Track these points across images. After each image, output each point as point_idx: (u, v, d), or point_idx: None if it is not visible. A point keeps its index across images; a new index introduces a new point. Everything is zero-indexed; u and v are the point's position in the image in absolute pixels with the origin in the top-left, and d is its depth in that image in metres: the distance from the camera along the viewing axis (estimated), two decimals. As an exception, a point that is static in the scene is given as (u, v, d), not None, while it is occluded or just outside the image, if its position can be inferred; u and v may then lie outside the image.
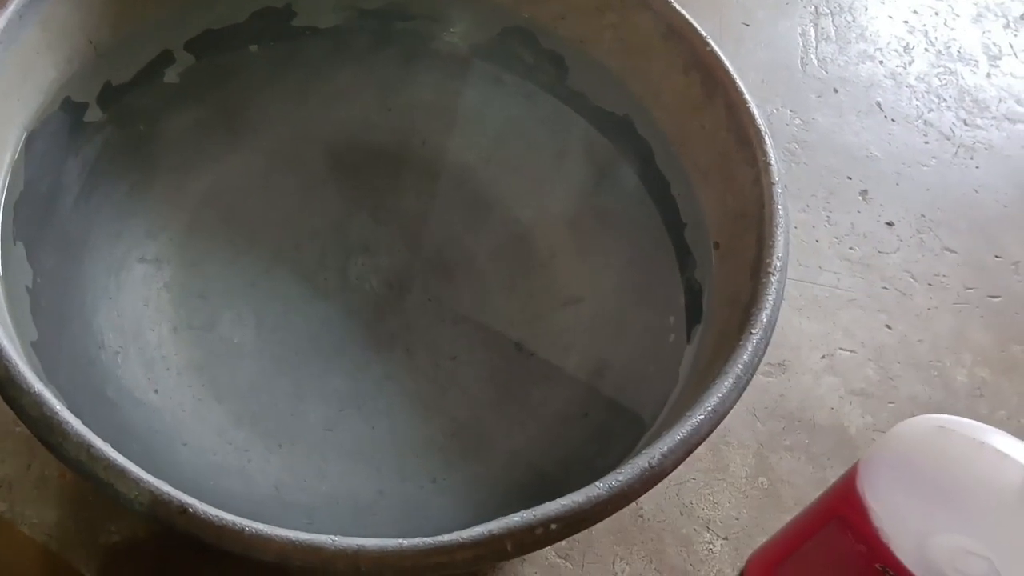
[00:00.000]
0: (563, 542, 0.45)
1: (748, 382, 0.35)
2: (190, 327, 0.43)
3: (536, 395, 0.45)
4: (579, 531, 0.31)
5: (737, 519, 0.47)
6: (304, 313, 0.46)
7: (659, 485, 0.48)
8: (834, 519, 0.37)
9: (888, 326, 0.56)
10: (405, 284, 0.47)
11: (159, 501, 0.29)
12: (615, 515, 0.46)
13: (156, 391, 0.41)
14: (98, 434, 0.30)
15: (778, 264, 0.37)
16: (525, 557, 0.44)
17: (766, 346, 0.36)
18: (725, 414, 0.34)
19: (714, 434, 0.50)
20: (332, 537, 0.29)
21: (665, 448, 0.32)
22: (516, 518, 0.30)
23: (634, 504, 0.47)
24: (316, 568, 0.29)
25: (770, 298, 0.36)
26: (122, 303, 0.42)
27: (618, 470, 0.32)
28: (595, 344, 0.46)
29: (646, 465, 0.32)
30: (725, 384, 0.34)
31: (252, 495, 0.40)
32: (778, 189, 0.39)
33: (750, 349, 0.35)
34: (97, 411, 0.38)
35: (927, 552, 0.33)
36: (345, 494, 0.41)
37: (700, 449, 0.49)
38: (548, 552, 0.44)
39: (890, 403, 0.52)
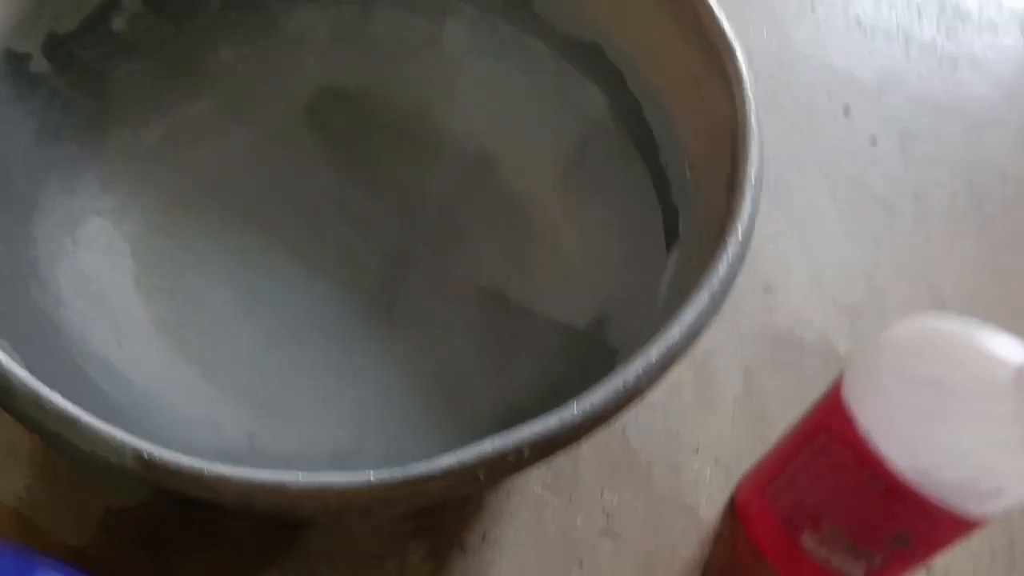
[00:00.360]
0: (549, 475, 0.44)
1: (724, 297, 0.34)
2: (153, 282, 0.42)
3: (517, 330, 0.44)
4: (552, 455, 0.30)
5: (727, 444, 0.46)
6: (273, 266, 0.44)
7: (645, 414, 0.47)
8: (821, 432, 0.37)
9: (875, 241, 0.54)
10: (379, 231, 0.46)
11: (114, 449, 0.28)
12: (601, 446, 0.46)
13: (121, 347, 0.40)
14: (65, 396, 0.29)
15: (753, 176, 0.36)
16: (511, 491, 0.43)
17: (742, 260, 0.34)
18: (701, 331, 0.33)
19: (700, 358, 0.49)
20: (297, 473, 0.28)
21: (639, 368, 0.31)
22: (487, 445, 0.29)
23: (620, 433, 0.46)
24: (283, 508, 0.28)
25: (745, 211, 0.35)
26: (80, 259, 0.41)
27: (591, 391, 0.31)
28: (575, 275, 0.45)
29: (620, 386, 0.31)
30: (701, 300, 0.33)
31: (225, 446, 0.39)
32: (750, 101, 0.38)
33: (726, 263, 0.34)
34: (59, 370, 0.37)
35: (917, 457, 0.32)
36: (323, 440, 0.40)
37: (686, 375, 0.49)
38: (535, 485, 0.44)
39: (879, 319, 0.51)
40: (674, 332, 0.32)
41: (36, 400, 0.28)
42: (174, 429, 0.38)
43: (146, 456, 0.28)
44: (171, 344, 0.41)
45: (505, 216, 0.47)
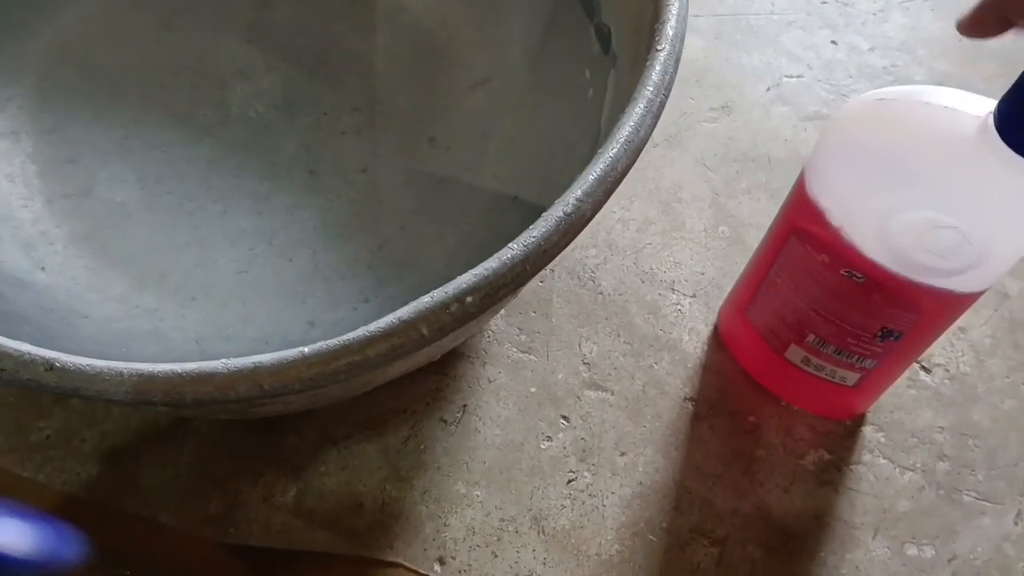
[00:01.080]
0: (522, 337, 0.42)
1: (662, 103, 0.31)
2: (65, 196, 0.39)
3: (460, 190, 0.42)
4: (499, 300, 0.28)
5: (703, 274, 0.44)
6: (188, 157, 0.41)
7: (615, 258, 0.45)
8: (791, 237, 0.34)
9: (834, 41, 0.51)
10: (292, 103, 0.43)
11: (22, 363, 0.25)
12: (573, 298, 0.43)
13: (43, 269, 0.37)
14: None
15: (676, -31, 0.33)
16: (486, 360, 0.41)
17: (677, 61, 0.31)
18: (642, 142, 0.30)
19: (665, 193, 0.47)
20: (223, 360, 0.26)
21: (579, 192, 0.29)
22: (427, 299, 0.27)
23: (591, 282, 0.44)
24: (216, 399, 0.26)
25: (673, 8, 0.32)
26: (-17, 186, 0.38)
27: (531, 227, 0.28)
28: (514, 121, 0.42)
29: (560, 214, 0.28)
30: (636, 110, 0.30)
31: (171, 355, 0.36)
32: None
33: (658, 68, 0.31)
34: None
35: (891, 239, 0.30)
36: (274, 333, 0.38)
37: (653, 211, 0.46)
38: (509, 349, 0.42)
39: (847, 121, 0.48)
40: (611, 149, 0.29)
41: (-74, 326, 0.25)
42: (112, 346, 0.36)
43: (57, 365, 0.25)
44: (93, 256, 0.39)
45: (432, 69, 0.44)
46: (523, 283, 0.28)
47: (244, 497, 0.38)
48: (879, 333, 0.34)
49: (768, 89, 0.49)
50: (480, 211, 0.41)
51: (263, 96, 0.43)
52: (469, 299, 0.27)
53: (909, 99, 0.29)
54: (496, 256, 0.28)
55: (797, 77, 0.50)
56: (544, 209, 0.39)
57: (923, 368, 0.42)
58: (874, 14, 0.52)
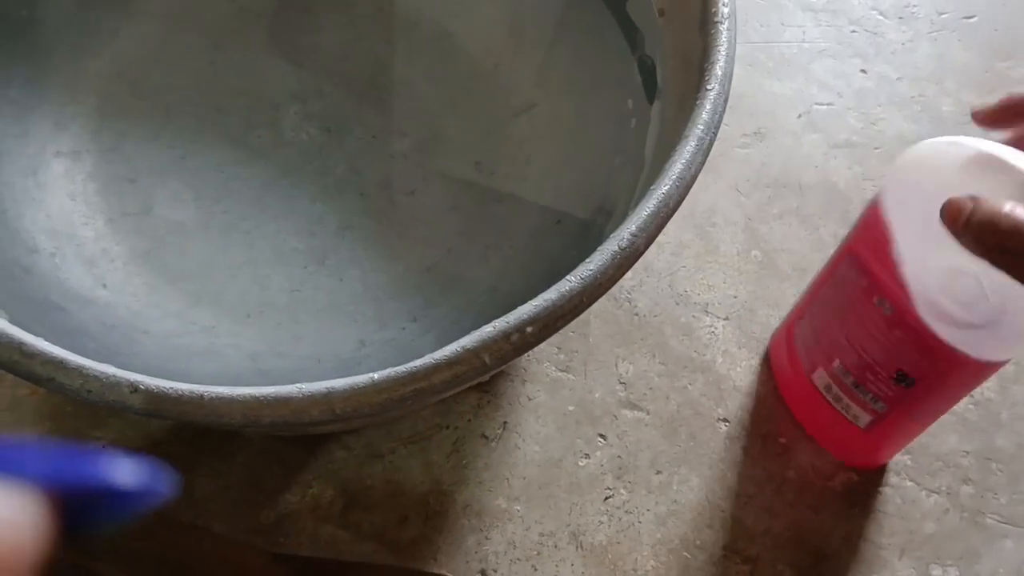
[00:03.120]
0: (561, 356, 0.44)
1: (712, 142, 0.32)
2: (125, 214, 0.41)
3: (505, 213, 0.43)
4: (557, 330, 0.29)
5: (735, 297, 0.45)
6: (243, 177, 0.43)
7: (650, 280, 0.46)
8: (846, 256, 0.35)
9: (863, 70, 0.52)
10: (342, 126, 0.44)
11: (107, 385, 0.27)
12: (610, 319, 0.45)
13: (104, 286, 0.39)
14: (51, 342, 0.28)
15: (725, 12, 0.34)
16: (525, 379, 0.43)
17: (725, 100, 0.33)
18: (693, 180, 0.31)
19: (699, 217, 0.48)
20: (299, 385, 0.27)
21: (634, 227, 0.30)
22: (489, 329, 0.29)
23: (627, 304, 0.45)
24: (289, 421, 0.27)
25: (722, 49, 0.33)
26: (48, 203, 0.39)
27: (588, 260, 0.30)
28: (557, 147, 0.43)
29: (616, 248, 0.30)
30: (688, 148, 0.31)
31: (228, 371, 0.38)
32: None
33: (708, 107, 0.32)
34: (44, 319, 0.36)
35: (924, 279, 0.31)
36: (326, 351, 0.39)
37: (687, 235, 0.47)
38: (548, 368, 0.43)
39: (876, 148, 0.50)
40: (663, 185, 0.31)
41: (20, 347, 0.27)
42: (172, 362, 0.37)
43: (141, 387, 0.27)
44: (152, 274, 0.40)
45: (477, 94, 0.45)
46: (579, 313, 0.30)
47: (294, 508, 0.39)
48: (895, 375, 0.35)
49: (799, 116, 0.51)
50: (524, 234, 0.42)
51: (314, 119, 0.44)
52: (529, 329, 0.29)
53: (979, 148, 0.30)
54: (555, 288, 0.29)
55: (828, 105, 0.51)
56: (587, 230, 0.41)
57: (949, 393, 0.44)
58: (903, 44, 0.53)
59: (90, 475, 0.16)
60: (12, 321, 0.29)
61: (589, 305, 0.30)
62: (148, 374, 0.29)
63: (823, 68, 0.52)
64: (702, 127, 0.32)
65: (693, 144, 0.31)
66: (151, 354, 0.37)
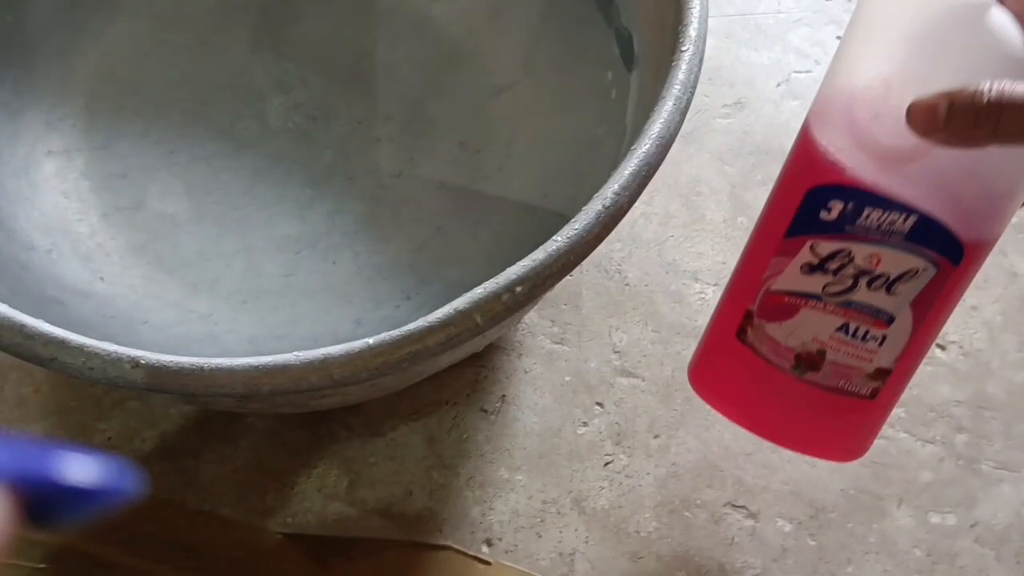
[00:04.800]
0: (555, 329, 0.44)
1: (689, 101, 0.33)
2: (118, 209, 0.41)
3: (492, 191, 0.44)
4: (547, 289, 0.30)
5: (724, 263, 0.46)
6: (232, 168, 0.43)
7: (639, 251, 0.47)
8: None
9: (839, 37, 0.53)
10: (328, 113, 0.45)
11: (108, 361, 0.27)
12: (601, 290, 0.45)
13: (102, 279, 0.39)
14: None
15: (697, -27, 0.35)
16: (521, 352, 0.43)
17: (700, 61, 0.33)
18: (672, 138, 0.32)
19: (685, 187, 0.49)
20: (296, 353, 0.28)
21: (616, 186, 0.31)
22: (480, 290, 0.29)
23: (618, 274, 0.46)
24: (289, 389, 0.28)
25: (695, 11, 0.34)
26: (41, 201, 0.40)
27: (573, 220, 0.30)
28: (541, 123, 0.44)
29: (600, 208, 0.30)
30: (666, 108, 0.32)
31: (227, 355, 0.38)
32: None
33: (684, 67, 0.33)
34: (43, 313, 0.36)
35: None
36: (323, 332, 0.40)
37: (674, 205, 0.48)
38: (543, 341, 0.44)
39: (856, 113, 0.50)
40: (644, 144, 0.31)
41: (21, 329, 0.28)
42: (173, 350, 0.37)
43: (142, 362, 0.27)
44: (149, 266, 0.41)
45: (459, 76, 0.46)
46: (567, 272, 0.30)
47: (300, 489, 0.40)
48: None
49: (778, 85, 0.51)
50: (512, 210, 0.43)
51: (300, 108, 0.45)
52: (519, 289, 0.29)
53: None
54: (542, 248, 0.30)
55: (806, 72, 0.52)
56: (574, 201, 0.41)
57: (938, 346, 0.44)
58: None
59: (47, 472, 0.17)
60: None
61: (577, 263, 0.30)
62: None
63: (799, 37, 0.53)
64: (679, 87, 0.32)
65: (671, 104, 0.32)
66: (152, 343, 0.37)
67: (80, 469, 0.17)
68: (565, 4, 0.43)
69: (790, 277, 0.33)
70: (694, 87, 0.33)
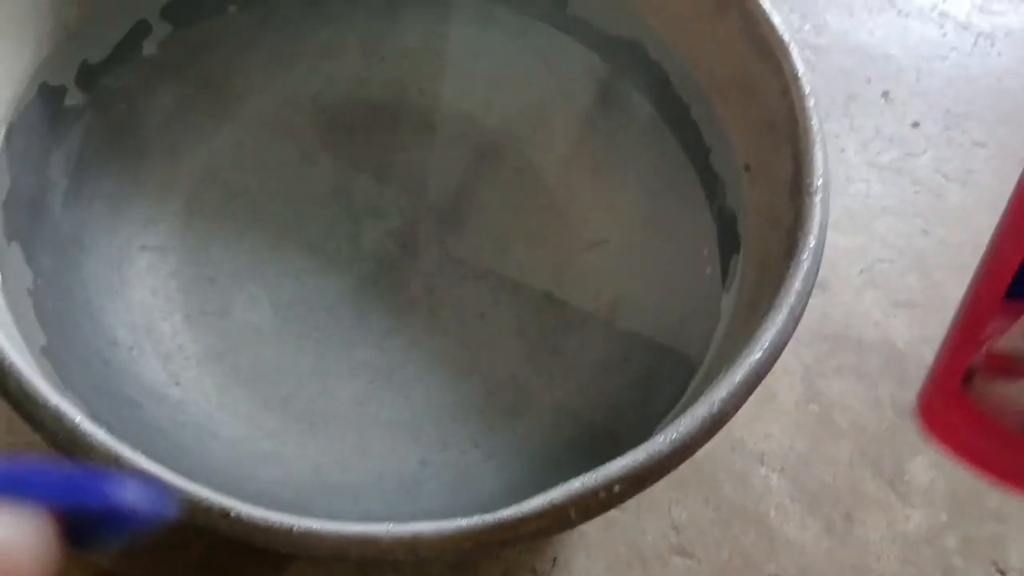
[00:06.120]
0: (616, 493, 0.43)
1: (802, 312, 0.33)
2: (203, 313, 0.41)
3: (571, 344, 0.43)
4: (644, 489, 0.30)
5: (791, 449, 0.46)
6: (319, 286, 0.43)
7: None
8: None
9: (925, 231, 0.53)
10: (419, 244, 0.45)
11: (200, 508, 0.27)
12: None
13: (177, 384, 0.39)
14: (124, 437, 0.28)
15: (820, 183, 0.35)
16: (578, 512, 0.42)
17: (816, 272, 0.33)
18: (782, 348, 0.32)
19: (757, 363, 0.48)
20: (387, 526, 0.27)
21: (725, 393, 0.30)
22: (577, 484, 0.29)
23: (684, 445, 0.45)
24: (373, 559, 0.27)
25: (815, 220, 0.34)
26: (130, 296, 0.40)
27: (677, 421, 0.30)
28: (627, 285, 0.44)
29: (706, 414, 0.30)
30: (779, 317, 0.32)
31: (292, 481, 0.38)
32: (810, 101, 0.36)
33: (801, 276, 0.33)
34: (120, 413, 0.36)
35: None
36: (388, 469, 0.39)
37: (745, 381, 0.48)
38: (601, 504, 0.43)
39: (937, 311, 0.50)
40: (756, 353, 0.31)
41: (117, 460, 0.27)
42: (240, 466, 0.37)
43: (233, 514, 0.27)
44: (225, 375, 0.41)
45: (552, 225, 0.46)
46: (666, 474, 0.30)
47: (338, 628, 0.39)
48: None
49: (861, 271, 0.51)
50: (589, 368, 0.43)
51: (392, 235, 0.45)
52: (616, 488, 0.29)
53: None
54: (643, 447, 0.29)
55: (889, 263, 0.52)
56: (655, 372, 0.41)
57: None
58: (964, 209, 0.54)
59: (93, 496, 0.17)
60: (91, 415, 0.29)
61: (676, 467, 0.30)
62: (217, 478, 0.29)
63: (885, 225, 0.53)
64: (795, 297, 0.32)
65: (784, 314, 0.32)
66: (220, 457, 0.37)
67: (122, 491, 0.17)
68: (668, 172, 0.44)
69: (1014, 339, 0.31)
70: (808, 297, 0.33)
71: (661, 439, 0.29)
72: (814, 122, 0.36)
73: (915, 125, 0.57)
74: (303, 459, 0.39)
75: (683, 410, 0.32)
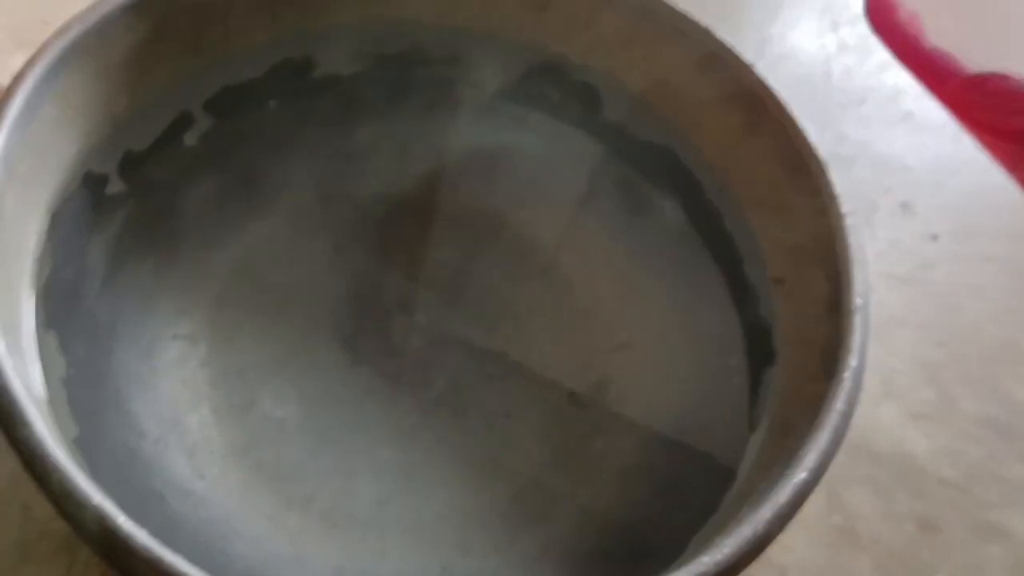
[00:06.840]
0: (638, 604, 0.43)
1: (844, 434, 0.33)
2: (231, 406, 0.41)
3: (596, 449, 0.43)
4: (686, 612, 0.29)
5: (813, 562, 0.45)
6: (346, 382, 0.43)
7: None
8: None
9: (940, 344, 0.54)
10: (447, 341, 0.45)
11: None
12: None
13: (203, 477, 0.39)
14: (149, 531, 0.28)
15: (860, 303, 0.35)
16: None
17: (859, 393, 0.34)
18: (826, 469, 0.32)
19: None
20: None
21: (770, 514, 0.30)
22: (621, 606, 0.28)
23: (706, 556, 0.45)
24: None
25: (856, 341, 0.34)
26: (159, 387, 0.40)
27: (722, 543, 0.30)
28: (653, 391, 0.44)
29: (750, 535, 0.30)
30: (823, 438, 0.32)
31: (314, 585, 0.37)
32: (849, 220, 0.37)
33: (844, 398, 0.33)
34: (145, 506, 0.35)
35: None
36: (408, 574, 0.39)
37: (766, 491, 0.47)
38: (623, 616, 0.42)
39: (950, 425, 0.50)
40: (801, 473, 0.31)
41: (158, 565, 0.27)
42: (263, 568, 0.36)
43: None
44: (249, 470, 0.40)
45: (579, 327, 0.46)
46: (707, 597, 0.29)
47: None
48: None
49: (879, 382, 0.52)
50: (612, 475, 0.42)
51: (421, 331, 0.45)
52: (660, 609, 0.28)
53: None
54: (686, 569, 0.29)
55: (906, 374, 0.52)
56: (680, 481, 0.41)
57: None
58: (977, 323, 0.55)
59: None
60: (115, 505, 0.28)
61: (718, 590, 0.29)
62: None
63: (902, 337, 0.54)
64: (839, 418, 0.32)
65: (829, 435, 0.32)
66: (242, 556, 0.37)
67: None
68: (697, 280, 0.44)
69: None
70: (850, 418, 0.33)
71: (705, 560, 0.29)
72: (854, 242, 0.36)
73: (934, 237, 0.58)
74: (323, 561, 0.38)
75: (720, 525, 0.32)
